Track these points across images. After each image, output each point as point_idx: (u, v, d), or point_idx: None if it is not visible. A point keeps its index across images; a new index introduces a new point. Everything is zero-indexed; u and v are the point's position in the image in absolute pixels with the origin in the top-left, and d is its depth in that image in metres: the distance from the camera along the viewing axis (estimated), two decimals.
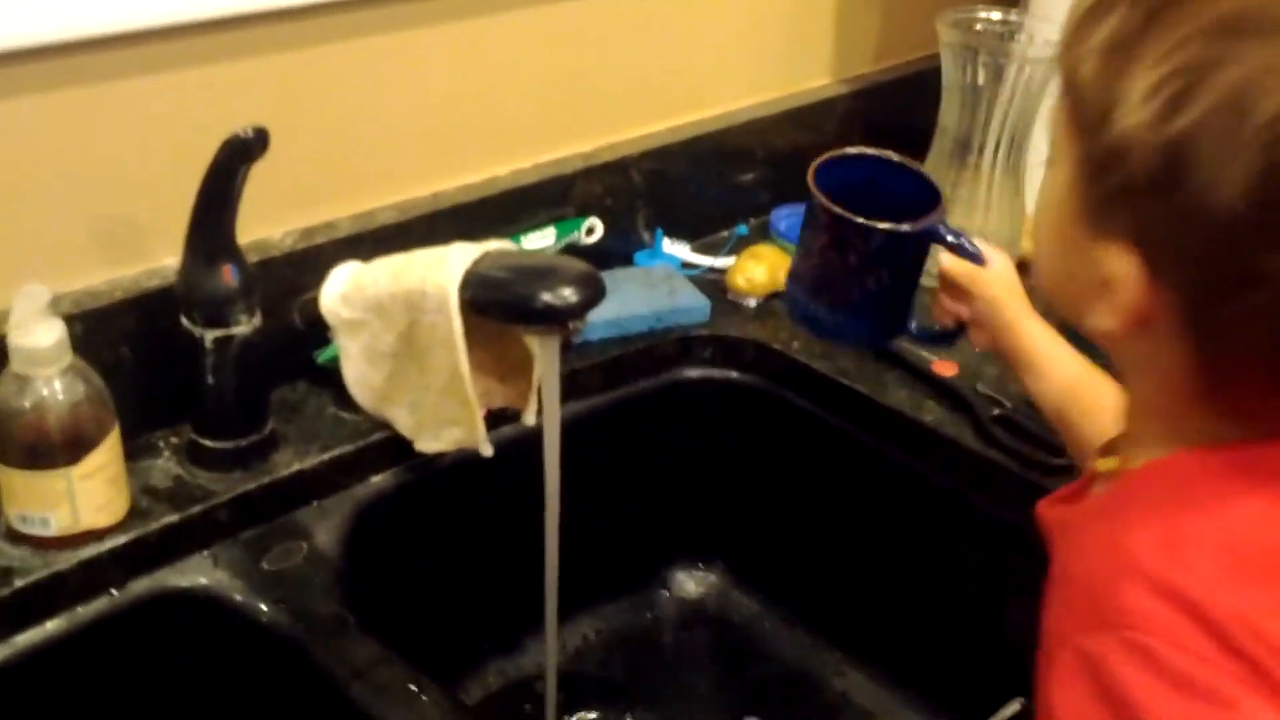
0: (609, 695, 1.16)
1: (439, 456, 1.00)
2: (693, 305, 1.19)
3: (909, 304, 0.97)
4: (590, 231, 1.19)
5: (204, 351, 0.91)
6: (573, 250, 1.17)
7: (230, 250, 0.90)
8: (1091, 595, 0.61)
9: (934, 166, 1.26)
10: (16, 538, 0.87)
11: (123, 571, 0.89)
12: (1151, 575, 0.59)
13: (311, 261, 0.98)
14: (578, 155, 1.20)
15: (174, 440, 0.97)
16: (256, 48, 0.97)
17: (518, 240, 1.13)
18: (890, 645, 1.18)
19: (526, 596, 0.95)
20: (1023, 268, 1.28)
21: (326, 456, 0.98)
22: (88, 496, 0.86)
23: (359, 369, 0.89)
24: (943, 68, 1.22)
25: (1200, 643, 0.56)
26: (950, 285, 0.94)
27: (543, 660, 1.02)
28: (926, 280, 0.95)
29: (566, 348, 1.13)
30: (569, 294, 0.81)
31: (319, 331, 0.90)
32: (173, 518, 0.91)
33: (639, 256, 1.26)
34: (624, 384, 1.16)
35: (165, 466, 0.95)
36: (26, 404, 0.84)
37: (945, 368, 1.13)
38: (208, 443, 0.95)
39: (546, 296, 0.81)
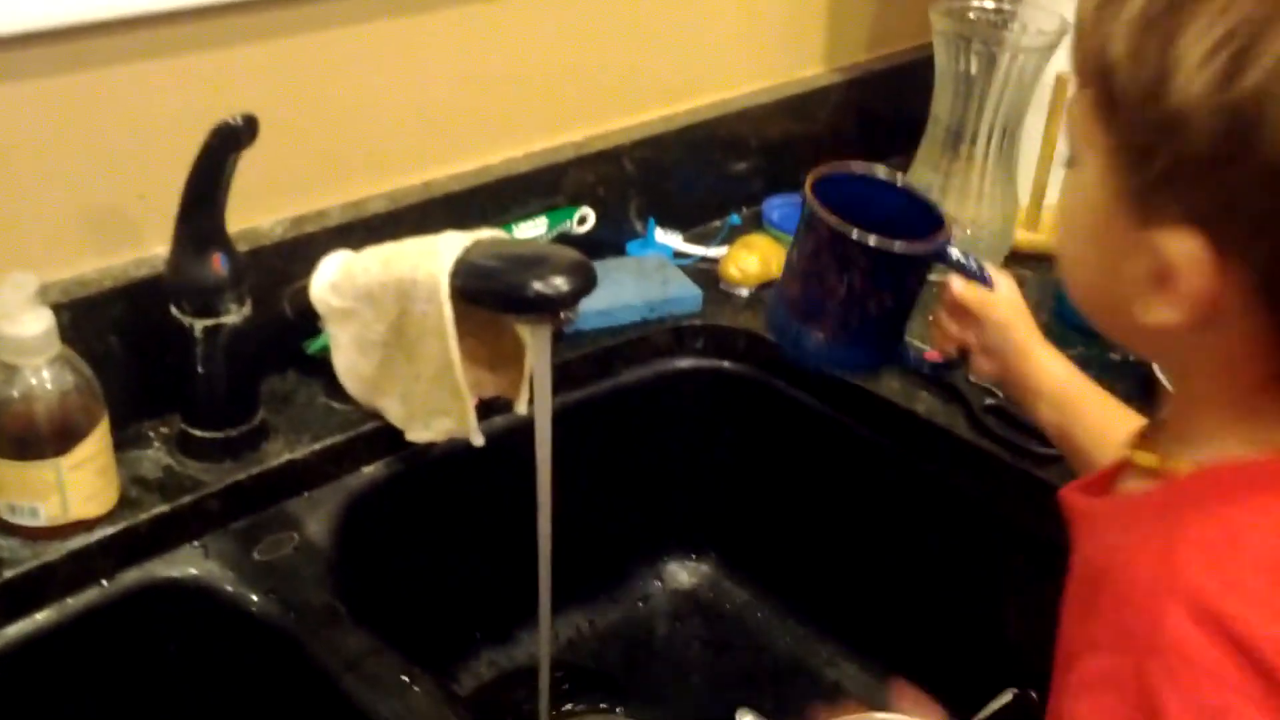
0: (602, 686, 1.16)
1: (430, 446, 1.00)
2: (685, 295, 1.19)
3: (904, 330, 0.95)
4: (582, 221, 1.19)
5: (194, 341, 0.91)
6: (565, 240, 1.16)
7: (220, 239, 0.89)
8: (1132, 608, 0.59)
9: (927, 155, 1.25)
10: (5, 528, 0.87)
11: (113, 562, 0.89)
12: (1198, 600, 0.56)
13: (302, 250, 0.98)
14: (570, 144, 1.20)
15: (164, 430, 0.97)
16: (247, 35, 0.96)
17: (509, 229, 1.13)
18: (883, 635, 1.18)
19: (519, 587, 0.95)
20: (1015, 257, 1.29)
21: (317, 446, 0.98)
22: (77, 487, 0.86)
23: (349, 358, 0.89)
24: (935, 56, 1.22)
25: (1241, 677, 0.55)
26: (957, 310, 0.92)
27: (535, 651, 1.01)
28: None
29: (558, 337, 1.12)
30: (560, 283, 0.81)
31: (309, 321, 0.89)
32: (163, 508, 0.91)
33: (631, 246, 1.25)
34: (616, 374, 1.16)
35: (155, 456, 0.95)
36: (15, 394, 0.83)
37: (938, 357, 1.13)
38: (198, 433, 0.94)
39: (538, 285, 0.81)
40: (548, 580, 0.92)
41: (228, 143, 0.84)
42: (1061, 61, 1.21)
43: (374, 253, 0.87)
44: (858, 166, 0.96)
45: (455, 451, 0.99)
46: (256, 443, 0.96)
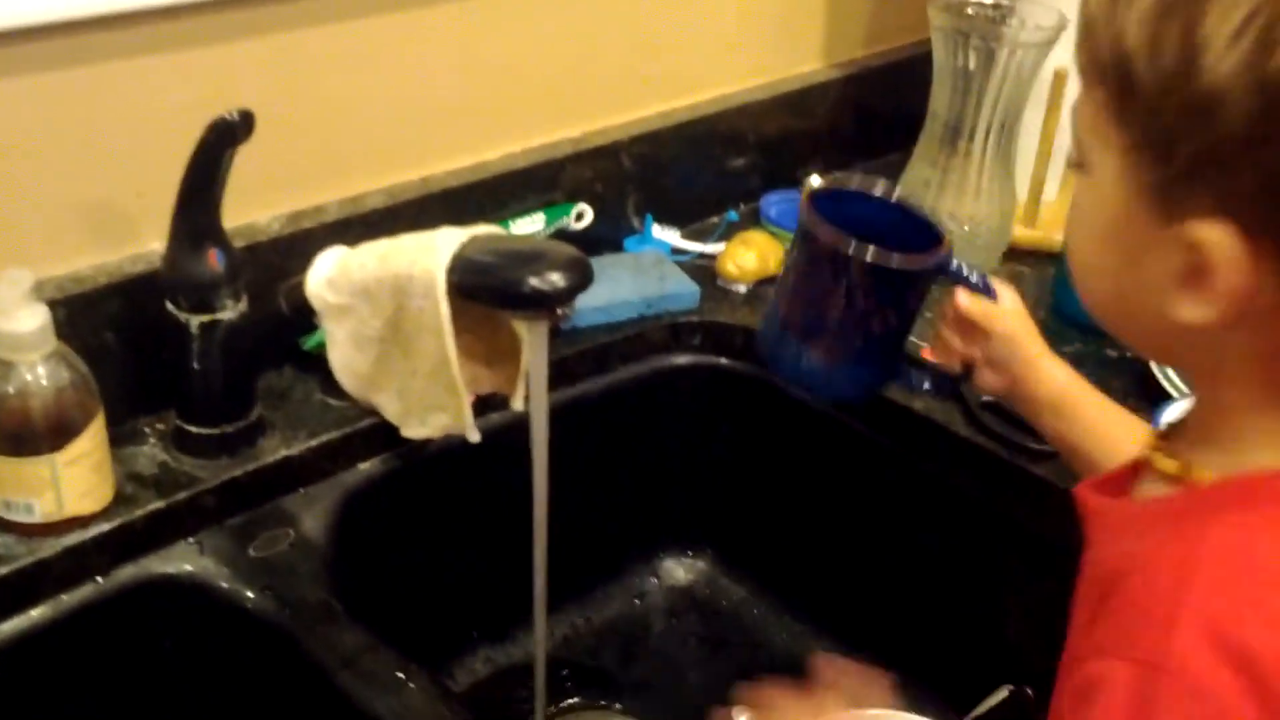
0: (598, 683, 1.16)
1: (427, 443, 1.00)
2: (682, 291, 1.19)
3: (904, 349, 0.94)
4: (580, 217, 1.18)
5: (190, 337, 0.90)
6: (562, 236, 1.16)
7: (216, 235, 0.89)
8: (1144, 618, 0.58)
9: (925, 151, 1.25)
10: (0, 525, 0.87)
11: (108, 558, 0.89)
12: (1212, 621, 0.55)
13: (299, 246, 0.98)
14: (567, 140, 1.20)
15: (159, 426, 0.97)
16: (244, 30, 0.96)
17: (507, 226, 1.13)
18: (879, 632, 1.17)
19: (515, 584, 0.94)
20: (1013, 253, 1.29)
21: (314, 443, 0.98)
22: (72, 483, 0.86)
23: (345, 354, 0.88)
24: (934, 52, 1.22)
25: (1248, 706, 0.54)
26: (963, 324, 0.91)
27: (531, 648, 1.01)
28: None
29: (555, 334, 1.12)
30: (557, 279, 0.81)
31: (305, 317, 0.89)
32: (158, 504, 0.91)
33: (629, 242, 1.25)
34: (613, 370, 1.16)
35: (151, 453, 0.95)
36: (10, 389, 0.83)
37: (934, 356, 1.13)
38: (193, 429, 0.94)
39: (534, 281, 0.80)
40: (543, 577, 0.92)
41: (224, 138, 0.84)
42: (1060, 57, 1.21)
43: (370, 248, 0.87)
44: (853, 182, 0.95)
45: (452, 448, 0.98)
46: (253, 439, 0.96)
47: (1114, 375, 1.08)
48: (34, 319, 0.82)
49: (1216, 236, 0.55)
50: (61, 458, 0.85)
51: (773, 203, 1.32)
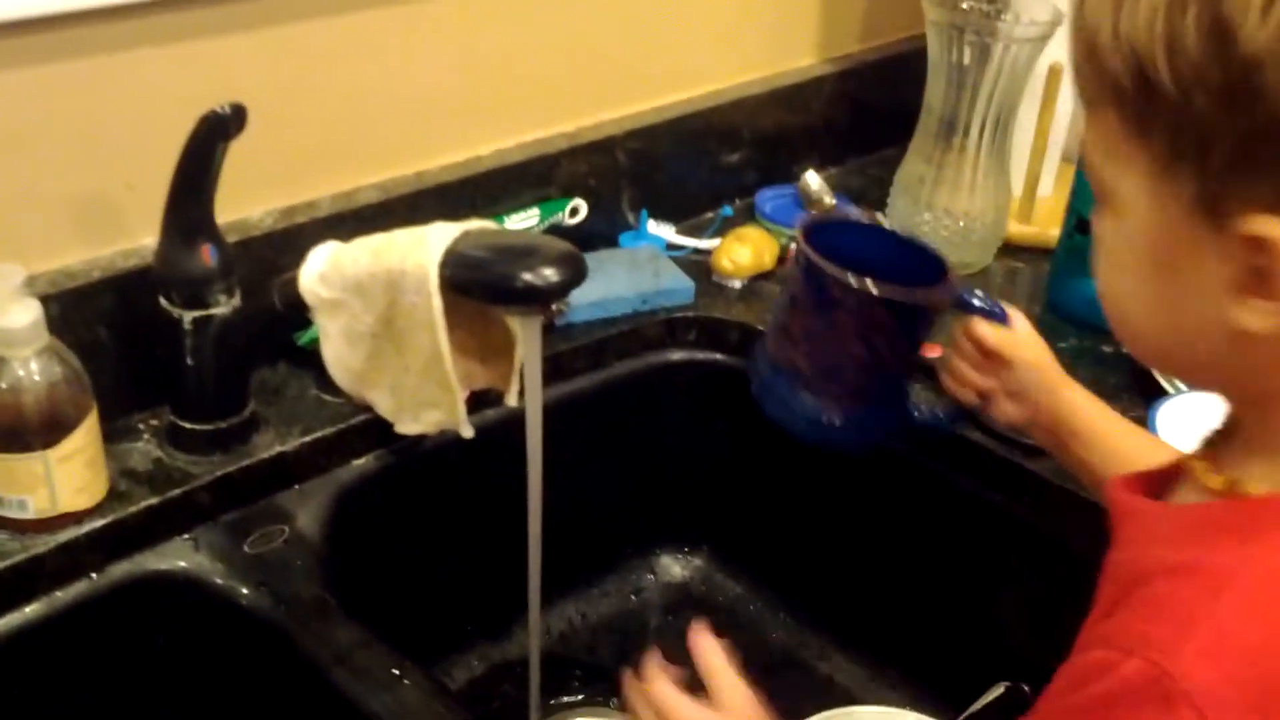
0: (594, 679, 1.16)
1: (421, 439, 1.00)
2: (677, 287, 1.18)
3: (906, 386, 0.91)
4: (574, 212, 1.18)
5: (183, 332, 0.90)
6: (556, 231, 1.16)
7: (209, 230, 0.89)
8: (1165, 618, 0.56)
9: (919, 146, 1.25)
10: None
11: (102, 555, 0.88)
12: (1232, 640, 0.54)
13: (292, 241, 0.97)
14: (562, 135, 1.19)
15: (153, 422, 0.96)
16: (238, 24, 0.96)
17: (501, 221, 1.13)
18: (875, 628, 1.17)
19: (511, 580, 0.94)
20: (1007, 249, 1.29)
21: (308, 439, 0.98)
22: (66, 479, 0.86)
23: (338, 350, 0.88)
24: (928, 47, 1.21)
25: None
26: (985, 355, 0.88)
27: (527, 644, 1.01)
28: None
29: (550, 329, 1.12)
30: (550, 274, 0.81)
31: (299, 312, 0.89)
32: (152, 500, 0.90)
33: (623, 238, 1.25)
34: (608, 366, 1.16)
35: (145, 449, 0.95)
36: (2, 385, 0.83)
37: (929, 349, 1.12)
38: (187, 425, 0.94)
39: (527, 276, 0.80)
40: (538, 573, 0.92)
41: (215, 132, 0.84)
42: (1055, 52, 1.21)
43: (363, 243, 0.86)
44: (841, 214, 0.93)
45: (446, 444, 0.98)
46: (247, 435, 0.96)
47: (1110, 372, 1.08)
48: (26, 314, 0.82)
49: (1276, 228, 0.52)
50: (55, 454, 0.84)
51: (768, 198, 1.32)
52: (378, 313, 0.86)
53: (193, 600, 0.90)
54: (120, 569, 0.89)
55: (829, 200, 1.31)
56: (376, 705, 0.83)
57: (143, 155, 0.92)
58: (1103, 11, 0.56)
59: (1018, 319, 0.88)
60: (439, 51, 1.09)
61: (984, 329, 0.88)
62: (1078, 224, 1.18)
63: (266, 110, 0.88)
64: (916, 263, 0.88)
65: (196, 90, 0.88)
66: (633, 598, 1.24)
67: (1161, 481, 0.67)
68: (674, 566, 1.27)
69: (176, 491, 0.91)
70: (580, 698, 1.14)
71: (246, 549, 0.92)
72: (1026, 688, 1.02)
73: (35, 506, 0.85)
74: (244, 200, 0.98)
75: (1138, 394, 1.05)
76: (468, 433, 0.90)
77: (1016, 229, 1.31)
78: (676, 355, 1.19)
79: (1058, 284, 1.22)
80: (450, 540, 1.09)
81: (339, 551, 0.96)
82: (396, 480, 1.03)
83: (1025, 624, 1.06)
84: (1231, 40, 0.51)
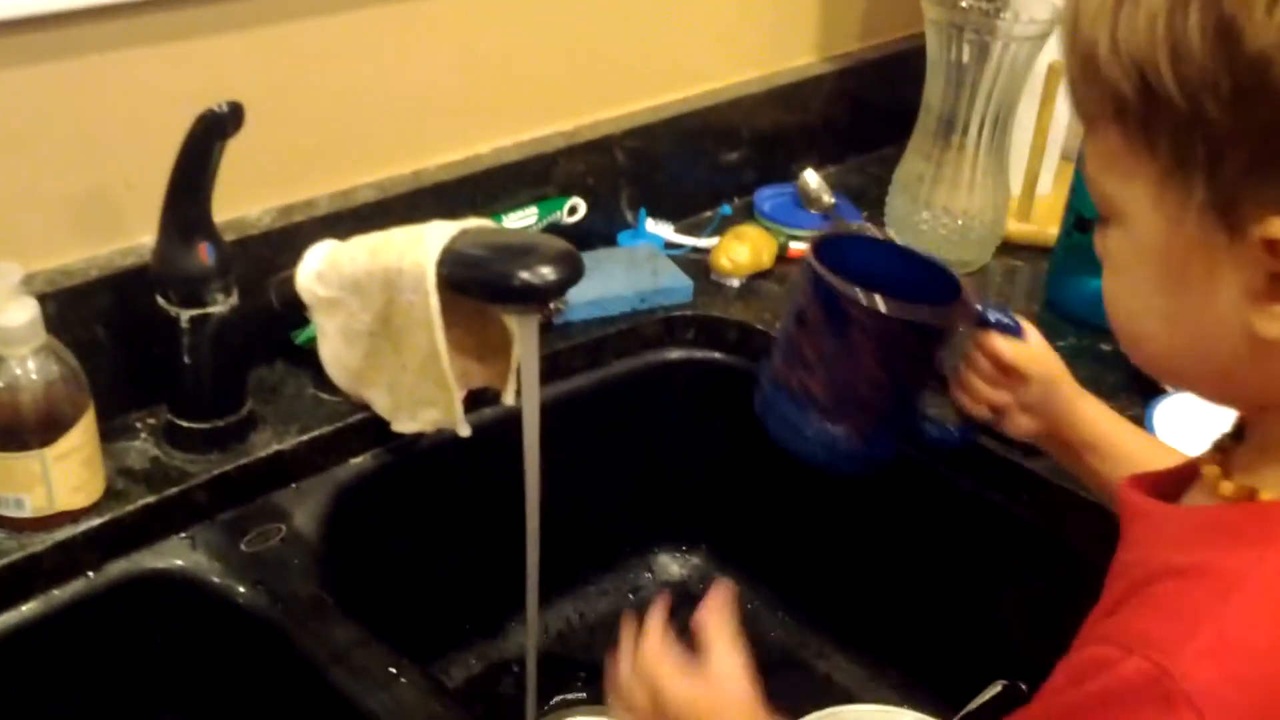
0: (592, 677, 1.16)
1: (419, 438, 1.00)
2: (675, 285, 1.18)
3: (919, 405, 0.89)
4: (573, 211, 1.18)
5: (180, 331, 0.90)
6: (555, 230, 1.16)
7: (206, 228, 0.89)
8: (1169, 619, 0.55)
9: (918, 145, 1.25)
10: None
11: (99, 553, 0.88)
12: (1235, 644, 0.53)
13: (290, 240, 0.97)
14: (560, 134, 1.19)
15: (151, 421, 0.96)
16: (235, 22, 0.96)
17: (499, 219, 1.12)
18: (873, 628, 1.17)
19: (509, 578, 0.94)
20: (1006, 247, 1.29)
21: (305, 438, 0.98)
22: (63, 478, 0.86)
23: (335, 348, 0.88)
24: (927, 45, 1.21)
25: None
26: (1000, 370, 0.87)
27: (525, 642, 1.01)
28: None
29: (547, 328, 1.12)
30: (547, 272, 0.80)
31: (297, 311, 0.89)
32: (149, 499, 0.90)
33: (622, 236, 1.25)
34: (606, 365, 1.16)
35: (142, 447, 0.95)
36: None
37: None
38: (185, 423, 0.94)
39: (524, 275, 0.80)
40: (535, 571, 0.92)
41: (213, 131, 0.84)
42: (1053, 51, 1.21)
43: (360, 242, 0.86)
44: (847, 228, 0.91)
45: (444, 443, 0.98)
46: (244, 434, 0.96)
47: (1109, 370, 1.08)
48: (23, 313, 0.82)
49: None
50: (52, 452, 0.84)
51: (766, 197, 1.32)
52: (375, 311, 0.86)
53: (190, 599, 0.90)
54: (117, 567, 0.89)
55: (828, 199, 1.31)
56: (374, 704, 0.83)
57: (140, 154, 0.92)
58: (1099, 23, 0.54)
59: (1030, 331, 0.87)
60: (436, 50, 1.09)
61: (1000, 344, 0.86)
62: (1076, 222, 1.18)
63: (264, 109, 0.88)
64: (926, 277, 0.86)
65: (194, 89, 0.88)
66: (630, 596, 1.24)
67: (1172, 483, 0.66)
68: (672, 565, 1.27)
69: (174, 490, 0.91)
70: (578, 696, 1.14)
71: (243, 548, 0.92)
72: (1024, 686, 1.02)
73: (32, 505, 0.85)
74: (242, 199, 0.98)
75: (1136, 392, 1.05)
76: (465, 431, 0.90)
77: (1015, 227, 1.31)
78: (675, 354, 1.19)
79: (1056, 282, 1.22)
80: (448, 539, 1.09)
81: (336, 550, 0.96)
82: (394, 479, 1.03)
83: (1023, 623, 1.06)
84: (1237, 40, 0.50)
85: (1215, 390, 0.61)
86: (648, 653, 0.79)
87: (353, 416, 0.99)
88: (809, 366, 0.84)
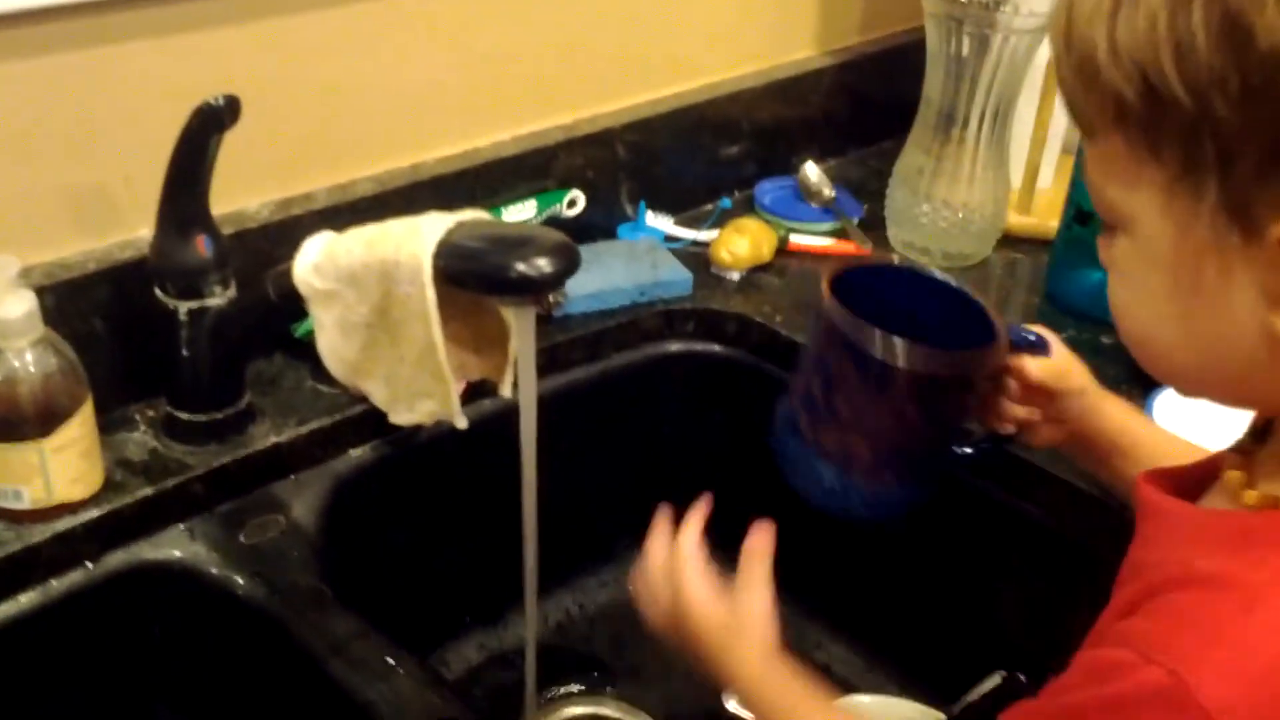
0: (591, 669, 1.16)
1: (418, 430, 1.00)
2: (675, 278, 1.18)
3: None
4: (572, 204, 1.18)
5: (178, 324, 0.90)
6: (554, 223, 1.16)
7: (203, 221, 0.89)
8: (1190, 629, 0.54)
9: (918, 138, 1.25)
10: None
11: (97, 545, 0.89)
12: (1256, 658, 0.52)
13: (288, 233, 0.98)
14: (559, 127, 1.19)
15: (149, 413, 0.97)
16: (234, 15, 0.96)
17: (498, 213, 1.13)
18: (872, 619, 1.17)
19: (508, 570, 0.94)
20: (1007, 240, 1.29)
21: (304, 430, 0.98)
22: (61, 469, 0.86)
23: (333, 340, 0.88)
24: (927, 38, 1.21)
25: None
26: (1028, 388, 0.85)
27: (525, 634, 1.01)
28: None
29: (547, 321, 1.12)
30: (544, 264, 0.80)
31: (294, 304, 0.89)
32: (148, 491, 0.91)
33: (622, 229, 1.25)
34: (606, 358, 1.16)
35: (141, 439, 0.95)
36: None
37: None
38: (183, 415, 0.94)
39: (521, 266, 0.80)
40: (533, 563, 0.92)
41: (209, 124, 0.84)
42: None
43: (357, 234, 0.86)
44: (858, 260, 0.86)
45: (442, 435, 0.99)
46: (243, 426, 0.96)
47: (1109, 363, 1.08)
48: (21, 305, 0.82)
49: None
50: (50, 444, 0.84)
51: (767, 190, 1.32)
52: (372, 303, 0.86)
53: (188, 590, 0.90)
54: (116, 559, 0.89)
55: (828, 192, 1.31)
56: (372, 695, 0.83)
57: (138, 147, 0.92)
58: (1096, 26, 0.53)
59: (1054, 344, 0.85)
60: (435, 44, 1.09)
61: (1030, 365, 0.84)
62: (1076, 215, 1.18)
63: (263, 102, 0.88)
64: (944, 300, 0.83)
65: (193, 82, 0.88)
66: (630, 588, 1.24)
67: (1191, 480, 0.65)
68: None
69: (172, 482, 0.92)
70: (577, 688, 1.14)
71: (242, 539, 0.92)
72: (1023, 677, 1.02)
73: (31, 497, 0.86)
74: (240, 192, 0.99)
75: (1136, 384, 1.05)
76: (462, 423, 0.90)
77: (1016, 220, 1.30)
78: (674, 347, 1.19)
79: (1056, 275, 1.22)
80: (447, 531, 1.10)
81: (335, 542, 0.97)
82: (393, 471, 1.03)
83: (1021, 614, 1.06)
84: (1247, 36, 0.49)
85: (1236, 396, 0.60)
86: (681, 556, 0.78)
87: (351, 409, 0.99)
88: (845, 425, 0.80)
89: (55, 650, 0.88)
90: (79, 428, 0.86)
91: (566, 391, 1.12)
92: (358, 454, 1.01)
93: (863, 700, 1.08)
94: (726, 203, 1.33)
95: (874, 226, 1.30)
